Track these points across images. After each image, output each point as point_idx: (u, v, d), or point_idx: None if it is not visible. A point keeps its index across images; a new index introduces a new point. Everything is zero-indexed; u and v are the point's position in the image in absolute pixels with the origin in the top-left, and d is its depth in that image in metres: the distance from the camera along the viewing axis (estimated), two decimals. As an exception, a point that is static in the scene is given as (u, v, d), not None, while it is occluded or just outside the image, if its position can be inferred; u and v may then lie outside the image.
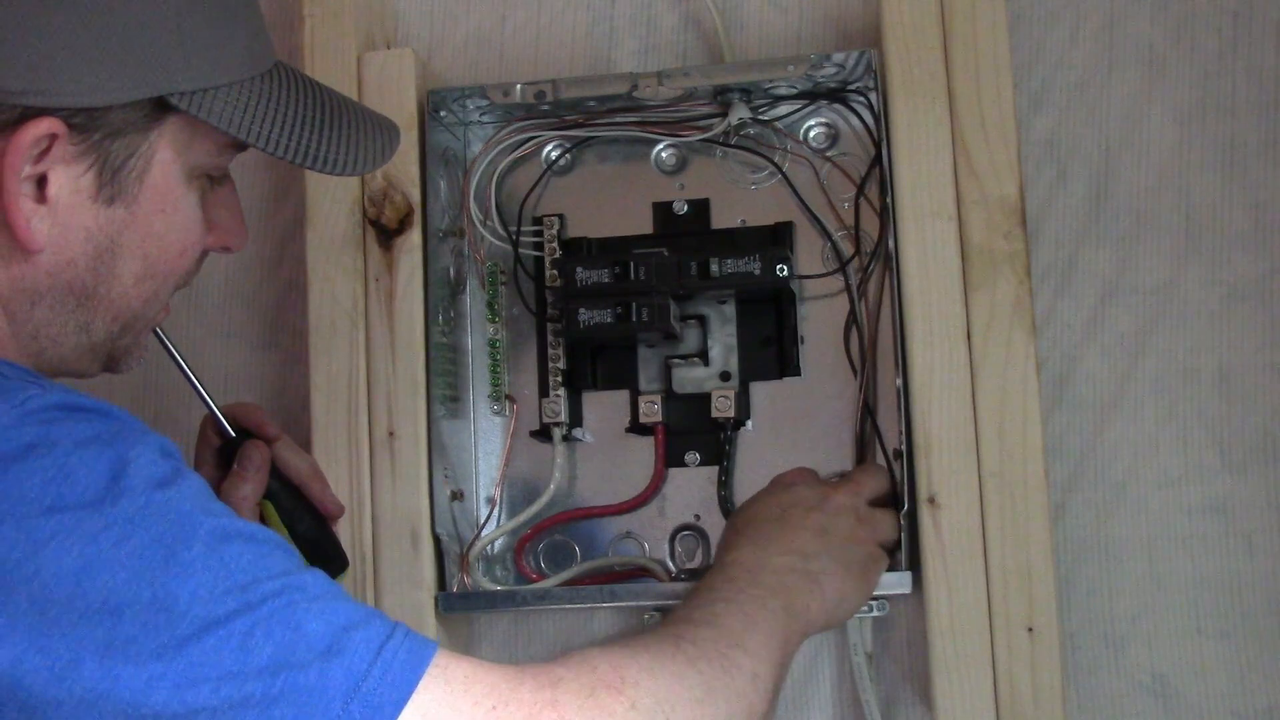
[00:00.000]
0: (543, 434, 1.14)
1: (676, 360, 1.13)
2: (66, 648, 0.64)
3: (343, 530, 1.06)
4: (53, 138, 0.74)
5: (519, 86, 1.12)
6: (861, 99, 1.12)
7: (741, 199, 1.15)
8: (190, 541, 0.67)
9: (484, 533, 1.13)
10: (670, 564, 1.13)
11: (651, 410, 1.12)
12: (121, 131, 0.77)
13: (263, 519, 1.00)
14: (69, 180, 0.76)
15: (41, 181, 0.75)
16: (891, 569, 1.05)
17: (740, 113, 1.12)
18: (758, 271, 1.08)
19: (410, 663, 0.68)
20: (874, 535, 1.02)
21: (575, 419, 1.15)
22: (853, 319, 1.11)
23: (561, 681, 0.72)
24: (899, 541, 1.04)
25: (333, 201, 1.12)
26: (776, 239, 1.13)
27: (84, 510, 0.65)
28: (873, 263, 1.10)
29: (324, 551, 1.04)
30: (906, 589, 1.04)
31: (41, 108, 0.74)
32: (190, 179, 0.81)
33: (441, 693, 0.68)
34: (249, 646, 0.65)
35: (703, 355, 1.13)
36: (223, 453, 1.00)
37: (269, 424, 1.01)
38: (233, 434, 0.99)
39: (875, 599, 1.05)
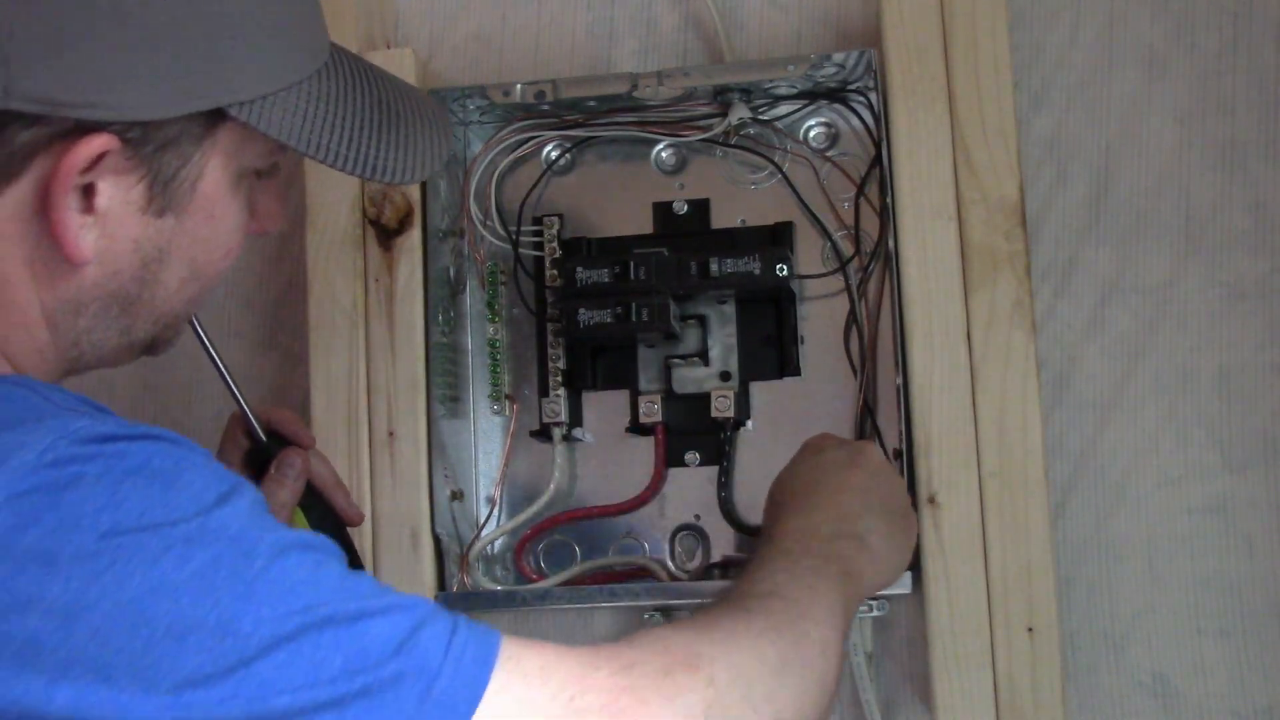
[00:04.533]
0: (543, 434, 1.14)
1: (676, 360, 1.13)
2: (132, 679, 0.62)
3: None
4: (104, 154, 0.71)
5: (519, 86, 1.12)
6: (861, 99, 1.12)
7: (741, 199, 1.15)
8: (251, 559, 0.65)
9: (484, 533, 1.13)
10: (670, 564, 1.13)
11: (651, 410, 1.12)
12: (175, 143, 0.74)
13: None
14: (118, 192, 0.73)
15: (88, 190, 0.72)
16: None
17: (740, 113, 1.12)
18: (758, 271, 1.08)
19: (479, 657, 0.67)
20: (903, 483, 1.02)
21: (575, 419, 1.15)
22: (853, 319, 1.11)
23: (636, 665, 0.71)
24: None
25: (333, 201, 1.13)
26: (776, 239, 1.13)
27: (141, 534, 0.63)
28: (873, 263, 1.10)
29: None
30: (906, 589, 1.04)
31: (95, 121, 0.70)
32: (238, 182, 0.79)
33: (518, 687, 0.67)
34: (319, 660, 0.64)
35: (703, 355, 1.13)
36: (250, 455, 1.00)
37: (305, 432, 1.00)
38: (264, 439, 0.99)
39: (875, 599, 1.06)
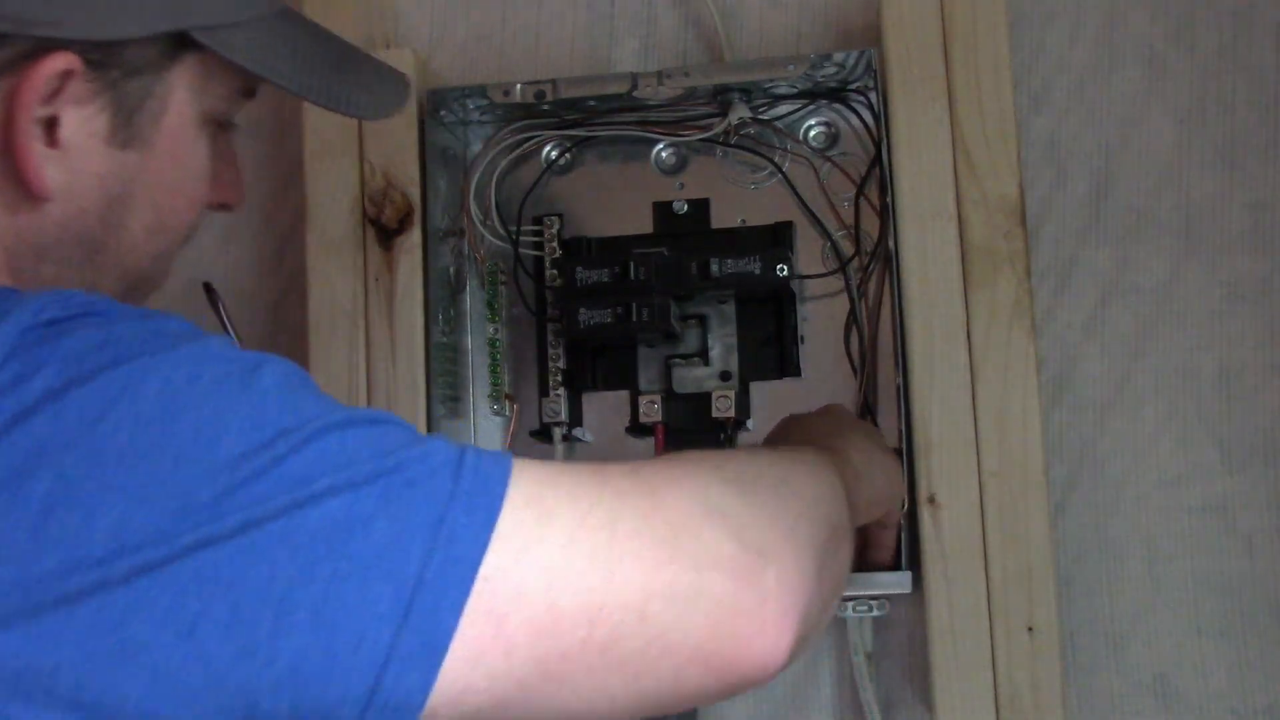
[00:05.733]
0: (543, 434, 1.14)
1: (676, 360, 1.13)
2: (172, 494, 0.59)
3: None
4: (67, 75, 0.69)
5: (519, 86, 1.12)
6: (861, 99, 1.12)
7: (741, 199, 1.15)
8: (259, 374, 0.64)
9: (484, 533, 1.13)
10: (670, 564, 1.13)
11: (651, 410, 1.12)
12: (138, 70, 0.72)
13: None
14: (82, 122, 0.71)
15: (52, 124, 0.70)
16: (892, 569, 1.05)
17: (740, 112, 1.12)
18: (758, 271, 1.08)
19: (495, 453, 0.66)
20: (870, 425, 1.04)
21: (575, 419, 1.15)
22: (853, 319, 1.11)
23: (641, 460, 0.71)
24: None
25: (333, 201, 1.13)
26: (776, 239, 1.13)
27: (145, 358, 0.62)
28: (873, 263, 1.10)
29: None
30: (906, 589, 1.04)
31: (57, 39, 0.69)
32: (202, 125, 0.77)
33: (544, 468, 0.66)
34: (348, 451, 0.62)
35: (703, 355, 1.13)
36: None
37: None
38: None
39: (875, 599, 1.06)
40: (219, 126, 0.80)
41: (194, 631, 0.59)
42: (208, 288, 0.96)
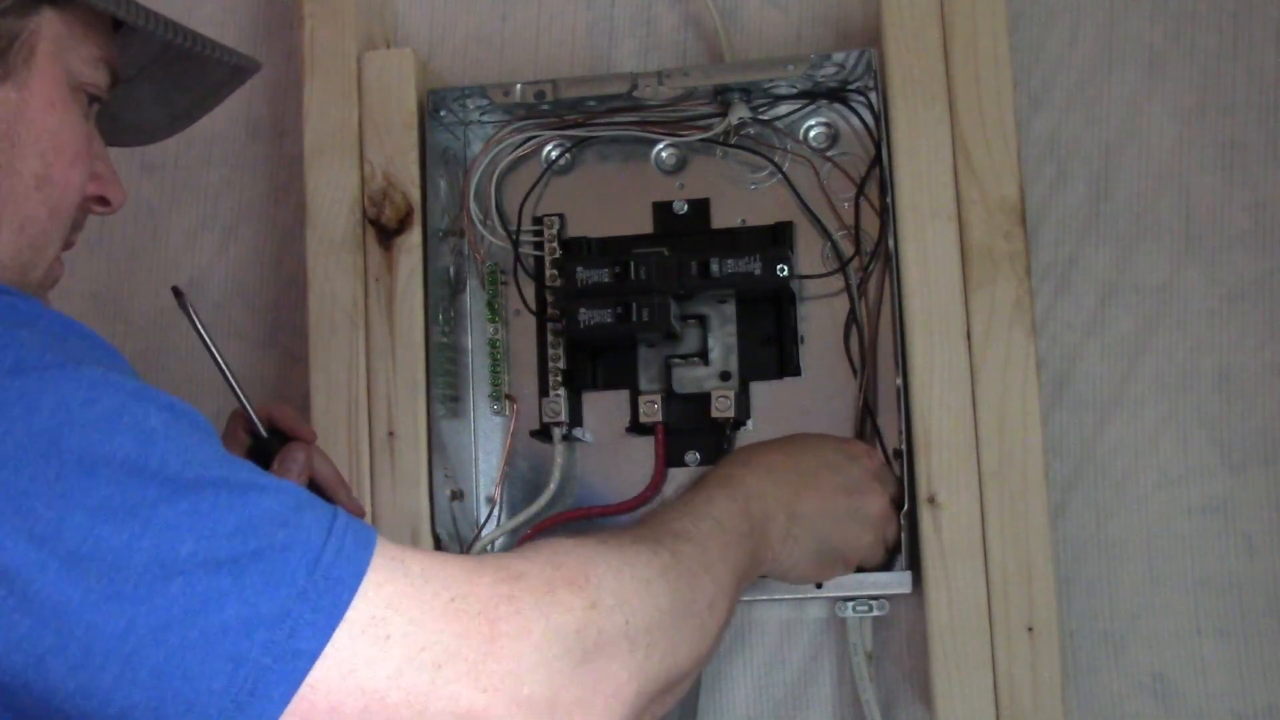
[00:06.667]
0: (543, 434, 1.14)
1: (676, 360, 1.13)
2: (47, 506, 0.62)
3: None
4: None
5: (519, 86, 1.12)
6: (861, 99, 1.12)
7: (741, 199, 1.15)
8: (148, 413, 0.65)
9: (484, 533, 1.13)
10: (670, 564, 1.13)
11: (651, 410, 1.12)
12: (4, 10, 0.74)
13: None
14: None
15: None
16: (891, 569, 1.05)
17: (740, 112, 1.12)
18: (758, 271, 1.08)
19: (360, 542, 0.67)
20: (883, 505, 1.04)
21: (575, 419, 1.15)
22: (853, 319, 1.11)
23: (522, 576, 0.71)
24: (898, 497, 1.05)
25: (333, 201, 1.13)
26: (776, 239, 1.13)
27: (47, 371, 0.64)
28: (873, 263, 1.10)
29: None
30: (906, 589, 1.04)
31: None
32: (72, 89, 0.78)
33: (400, 582, 0.67)
34: (216, 515, 0.64)
35: (703, 355, 1.13)
36: (253, 452, 0.99)
37: (305, 426, 1.01)
38: (265, 434, 0.99)
39: (875, 599, 1.06)
40: (89, 103, 0.80)
41: (42, 663, 0.62)
42: (176, 291, 0.96)
